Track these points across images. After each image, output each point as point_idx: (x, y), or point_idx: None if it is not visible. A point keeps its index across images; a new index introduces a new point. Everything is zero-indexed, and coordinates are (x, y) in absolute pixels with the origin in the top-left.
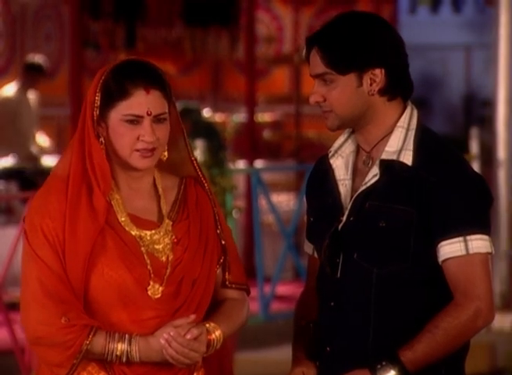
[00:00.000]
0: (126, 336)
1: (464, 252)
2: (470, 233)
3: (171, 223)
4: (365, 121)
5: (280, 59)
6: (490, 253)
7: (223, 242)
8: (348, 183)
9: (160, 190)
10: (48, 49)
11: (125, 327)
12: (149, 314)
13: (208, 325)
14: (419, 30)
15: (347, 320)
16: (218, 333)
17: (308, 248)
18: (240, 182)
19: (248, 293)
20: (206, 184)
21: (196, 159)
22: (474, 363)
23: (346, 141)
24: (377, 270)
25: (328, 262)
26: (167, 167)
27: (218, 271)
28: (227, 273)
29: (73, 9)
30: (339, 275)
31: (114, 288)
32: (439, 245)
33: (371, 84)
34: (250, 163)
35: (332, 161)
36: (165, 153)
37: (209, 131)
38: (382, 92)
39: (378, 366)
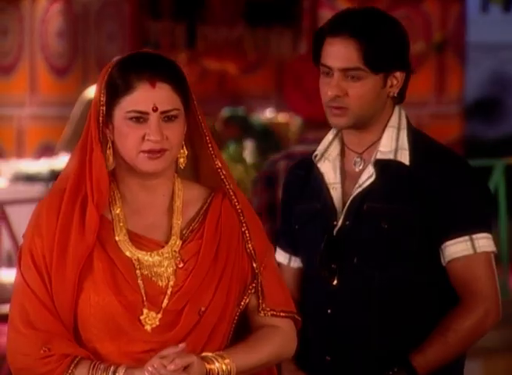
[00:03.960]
0: (112, 368)
1: (471, 251)
2: (475, 232)
3: (180, 242)
4: (371, 122)
5: None
6: (494, 252)
7: (255, 265)
8: (338, 186)
9: (177, 203)
10: (110, 49)
11: (115, 361)
12: (141, 346)
13: (210, 355)
14: (491, 28)
15: (348, 327)
16: (224, 364)
17: (283, 257)
18: None
19: (296, 321)
20: (234, 197)
21: (222, 168)
22: None
23: (331, 143)
24: (379, 274)
25: (324, 269)
26: (193, 176)
27: (252, 297)
28: (260, 299)
29: (133, 9)
30: (335, 281)
31: (101, 316)
32: (444, 245)
33: (391, 86)
34: None
35: (319, 165)
36: (182, 160)
37: (264, 133)
38: (397, 95)
39: (390, 373)
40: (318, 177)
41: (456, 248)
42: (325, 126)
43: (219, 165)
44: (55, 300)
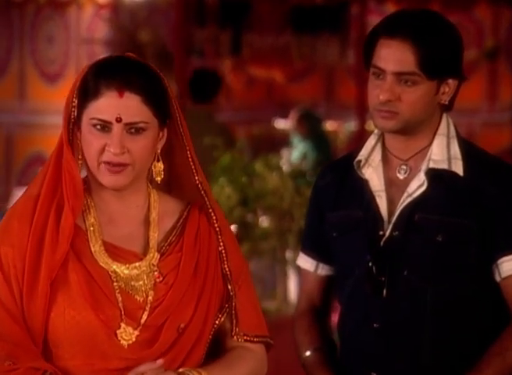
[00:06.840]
0: None
1: None
2: None
3: (158, 256)
4: (419, 128)
5: None
6: None
7: (230, 287)
8: (383, 194)
9: (153, 215)
10: None
11: None
12: (116, 364)
13: (187, 370)
14: None
15: (398, 342)
16: None
17: (309, 264)
18: None
19: (268, 346)
20: (213, 213)
21: (201, 183)
22: None
23: (373, 148)
24: (432, 288)
25: (371, 281)
26: (171, 189)
27: (226, 320)
28: (234, 323)
29: (178, 16)
30: (385, 294)
31: (76, 331)
32: (499, 261)
33: (443, 93)
34: None
35: (364, 171)
36: (159, 177)
37: (319, 141)
38: (448, 103)
39: None
40: (358, 183)
41: None
42: None
43: (199, 180)
44: (25, 313)
